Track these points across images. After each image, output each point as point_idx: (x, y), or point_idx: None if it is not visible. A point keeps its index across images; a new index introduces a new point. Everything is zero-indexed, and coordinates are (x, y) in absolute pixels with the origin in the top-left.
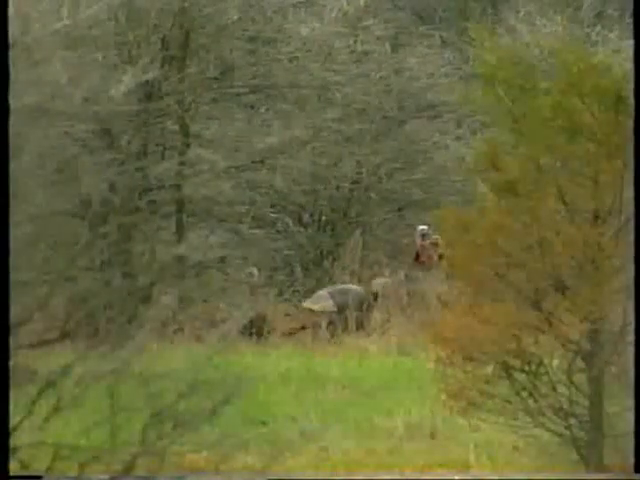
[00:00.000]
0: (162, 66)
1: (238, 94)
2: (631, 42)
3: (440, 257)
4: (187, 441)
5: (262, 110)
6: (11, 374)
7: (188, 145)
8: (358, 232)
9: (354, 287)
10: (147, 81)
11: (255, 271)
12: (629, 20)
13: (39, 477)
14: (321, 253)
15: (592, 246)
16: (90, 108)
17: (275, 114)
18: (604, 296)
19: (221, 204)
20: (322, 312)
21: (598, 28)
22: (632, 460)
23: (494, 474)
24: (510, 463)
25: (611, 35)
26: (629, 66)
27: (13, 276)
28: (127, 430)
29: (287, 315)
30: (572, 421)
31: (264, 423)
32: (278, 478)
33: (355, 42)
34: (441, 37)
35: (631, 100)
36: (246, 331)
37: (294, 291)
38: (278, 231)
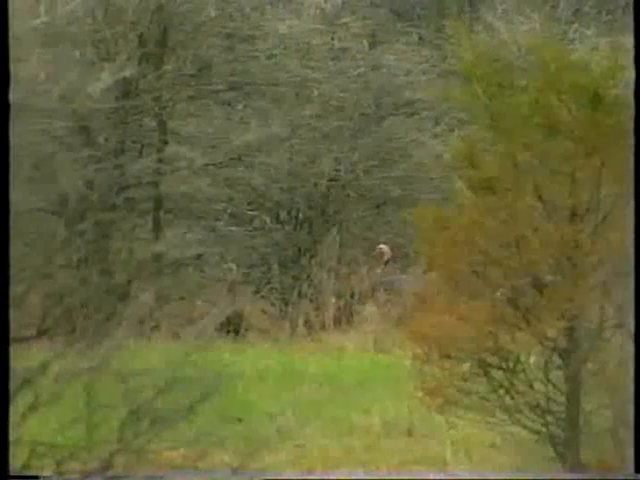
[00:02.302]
0: (139, 63)
1: (216, 91)
2: (608, 39)
3: (386, 263)
4: (164, 438)
5: (240, 107)
6: None
7: (166, 142)
8: (335, 229)
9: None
10: (124, 78)
11: (234, 267)
12: (606, 18)
13: (39, 477)
14: (298, 250)
15: (569, 243)
16: (67, 105)
17: (253, 111)
18: (581, 293)
19: (198, 201)
20: None
21: (575, 26)
22: (609, 457)
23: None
24: (487, 460)
25: (588, 32)
26: (607, 63)
27: None
28: (104, 427)
29: (264, 312)
30: (549, 418)
31: (241, 420)
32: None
33: (333, 39)
34: (419, 34)
35: (631, 100)
36: (223, 328)
37: (271, 288)
38: (255, 228)
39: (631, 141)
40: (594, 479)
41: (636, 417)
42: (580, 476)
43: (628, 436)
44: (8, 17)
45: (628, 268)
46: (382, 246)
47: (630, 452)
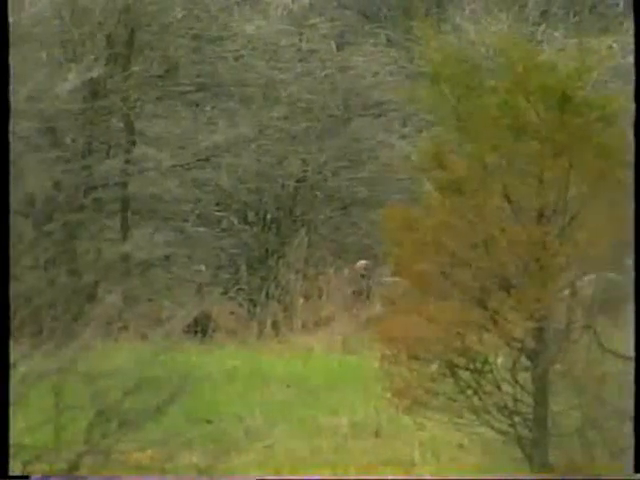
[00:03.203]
0: (107, 64)
1: (183, 92)
2: (575, 40)
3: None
4: (132, 439)
5: (207, 108)
6: None
7: (133, 143)
8: (303, 230)
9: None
10: (92, 79)
11: (202, 268)
12: (574, 19)
13: (25, 477)
14: (266, 251)
15: (537, 245)
16: (35, 106)
17: (220, 112)
18: (549, 295)
19: (166, 202)
20: None
21: (543, 27)
22: (578, 458)
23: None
24: (455, 461)
25: (556, 34)
26: (574, 65)
27: None
28: (72, 429)
29: (232, 313)
30: (516, 419)
31: (209, 422)
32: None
33: (300, 40)
34: (386, 36)
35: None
36: (191, 329)
37: (239, 289)
38: (223, 229)
39: (598, 141)
40: (594, 479)
41: (636, 417)
42: (580, 476)
43: (596, 437)
44: (8, 17)
45: (596, 268)
46: (362, 261)
47: (599, 453)
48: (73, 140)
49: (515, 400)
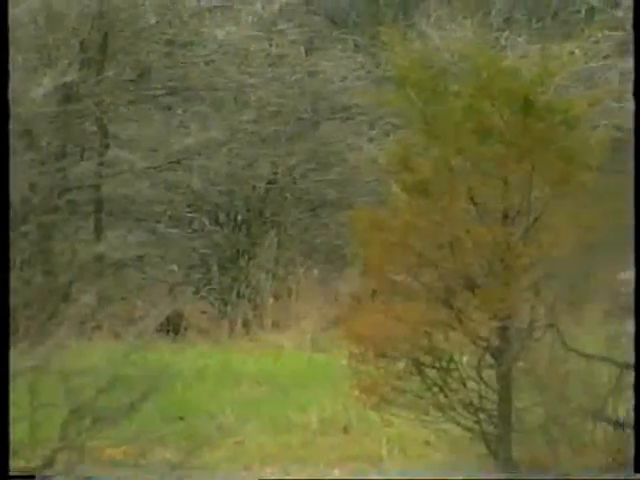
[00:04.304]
0: (81, 69)
1: (156, 96)
2: (538, 46)
3: None
4: (106, 436)
5: (179, 112)
6: None
7: (107, 146)
8: (273, 231)
9: None
10: (66, 83)
11: (174, 268)
12: (536, 25)
13: (29, 477)
14: (237, 252)
15: (501, 245)
16: (12, 110)
17: (192, 116)
18: (513, 294)
19: (139, 204)
20: None
21: (506, 33)
22: (541, 455)
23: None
24: (422, 457)
25: (519, 40)
26: (536, 70)
27: None
28: (47, 426)
29: (203, 312)
30: (481, 416)
31: (181, 418)
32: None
33: (270, 46)
34: (354, 41)
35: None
36: (163, 328)
37: (210, 289)
38: (195, 230)
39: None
40: (594, 479)
41: (636, 417)
42: (580, 476)
43: (559, 433)
44: (8, 17)
45: (559, 270)
46: None
47: (563, 449)
48: (48, 143)
49: (480, 397)
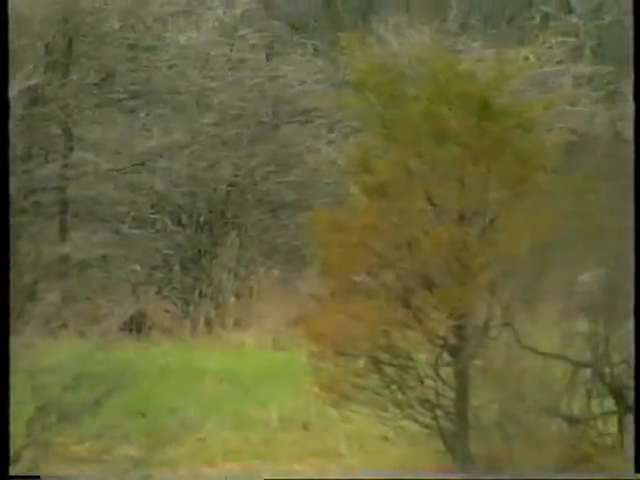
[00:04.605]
0: (46, 72)
1: (119, 100)
2: (493, 51)
3: None
4: (71, 433)
5: (142, 115)
6: None
7: (71, 148)
8: (234, 232)
9: None
10: (31, 87)
11: (138, 267)
12: (491, 31)
13: (33, 477)
14: (199, 252)
15: (458, 245)
16: None
17: (155, 119)
18: (469, 293)
19: (103, 205)
20: None
21: (463, 38)
22: (497, 451)
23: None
24: (380, 453)
25: (475, 45)
26: (492, 74)
27: None
28: (13, 423)
29: (166, 311)
30: (439, 412)
31: (145, 415)
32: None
33: (231, 50)
34: (314, 46)
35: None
36: (127, 327)
37: (173, 288)
38: (158, 231)
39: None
40: (594, 479)
41: (636, 417)
42: (581, 476)
43: (515, 430)
44: (8, 17)
45: (515, 269)
46: None
47: (519, 446)
48: (14, 145)
49: (437, 394)
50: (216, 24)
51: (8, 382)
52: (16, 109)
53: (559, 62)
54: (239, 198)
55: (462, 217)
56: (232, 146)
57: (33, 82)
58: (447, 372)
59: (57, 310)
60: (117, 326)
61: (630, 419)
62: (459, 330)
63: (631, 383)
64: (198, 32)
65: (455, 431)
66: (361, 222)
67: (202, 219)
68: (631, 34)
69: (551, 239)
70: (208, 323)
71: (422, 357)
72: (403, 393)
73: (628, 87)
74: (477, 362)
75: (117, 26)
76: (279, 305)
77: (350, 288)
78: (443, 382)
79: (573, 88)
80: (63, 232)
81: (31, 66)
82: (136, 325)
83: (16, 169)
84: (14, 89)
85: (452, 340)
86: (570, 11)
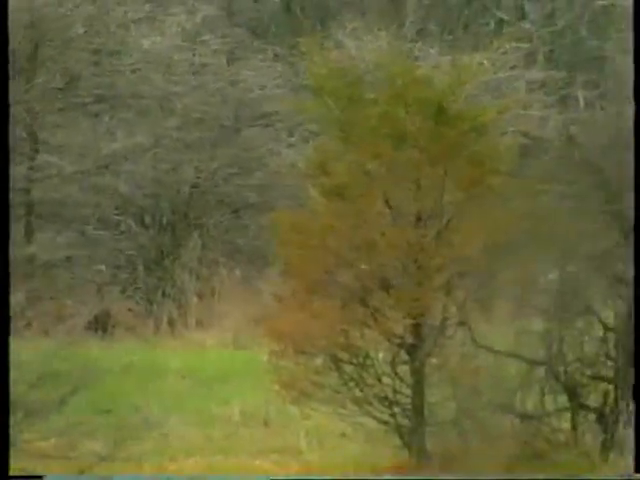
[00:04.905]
0: (12, 77)
1: (84, 104)
2: (449, 57)
3: None
4: (37, 429)
5: (106, 118)
6: None
7: (37, 151)
8: (197, 233)
9: None
10: None
11: (103, 268)
12: (448, 37)
13: (39, 477)
14: (162, 253)
15: (415, 247)
16: None
17: (119, 122)
18: (426, 293)
19: (68, 207)
20: None
21: (420, 44)
22: (453, 446)
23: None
24: (338, 449)
25: (432, 51)
26: (448, 79)
27: None
28: None
29: (130, 311)
30: (396, 409)
31: (109, 412)
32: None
33: (194, 55)
34: (274, 51)
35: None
36: (92, 326)
37: (136, 288)
38: (122, 232)
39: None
40: (594, 479)
41: (636, 417)
42: (581, 476)
43: (470, 426)
44: (8, 17)
45: (471, 269)
46: None
47: (474, 441)
48: None
49: (395, 392)
50: (179, 30)
51: (8, 382)
52: None
53: (513, 67)
54: (201, 200)
55: (419, 219)
56: (195, 149)
57: None
58: (404, 370)
59: (22, 310)
60: (82, 325)
61: (583, 416)
62: (416, 329)
63: (584, 381)
64: (161, 37)
65: (412, 427)
66: (320, 223)
67: (165, 220)
68: (631, 35)
69: (505, 240)
70: (171, 322)
71: (380, 355)
72: (361, 390)
73: (580, 91)
74: (433, 360)
75: (82, 31)
76: (241, 305)
77: (310, 288)
78: (400, 380)
79: (526, 93)
80: (28, 233)
81: None
82: (101, 324)
83: None
84: None
85: (409, 339)
86: (524, 17)
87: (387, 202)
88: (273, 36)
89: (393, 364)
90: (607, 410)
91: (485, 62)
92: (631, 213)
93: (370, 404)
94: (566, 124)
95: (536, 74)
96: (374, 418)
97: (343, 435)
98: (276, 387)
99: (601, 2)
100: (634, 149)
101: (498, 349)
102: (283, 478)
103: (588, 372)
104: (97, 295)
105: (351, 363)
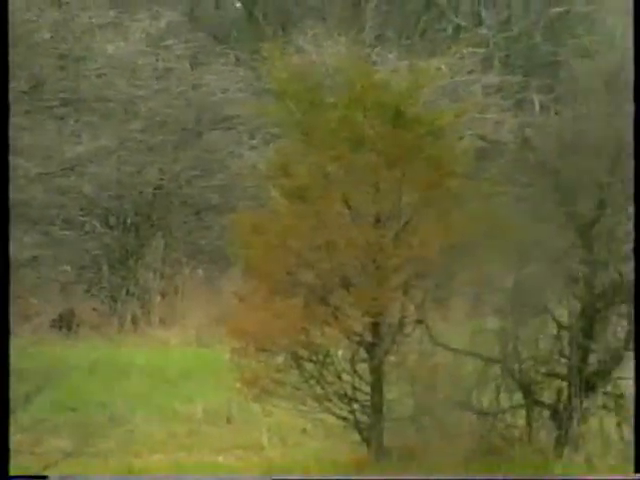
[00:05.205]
0: None
1: (49, 107)
2: (407, 62)
3: None
4: None
5: (71, 122)
6: None
7: None
8: (160, 234)
9: None
10: None
11: (68, 268)
12: (405, 42)
13: (40, 477)
14: (126, 252)
15: (373, 247)
16: None
17: (83, 125)
18: (384, 292)
19: (34, 208)
20: None
21: (378, 49)
22: (411, 443)
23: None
24: (299, 445)
25: (390, 56)
26: (405, 84)
27: None
28: None
29: (94, 309)
30: (355, 406)
31: (75, 409)
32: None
33: (157, 60)
34: (236, 56)
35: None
36: (57, 324)
37: (101, 287)
38: (87, 232)
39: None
40: (594, 479)
41: (636, 417)
42: (581, 476)
43: (428, 422)
44: (8, 17)
45: (429, 269)
46: None
47: (432, 437)
48: None
49: (354, 389)
50: (143, 35)
51: (8, 382)
52: None
53: (470, 72)
54: (164, 201)
55: (377, 220)
56: (158, 152)
57: None
58: (363, 368)
59: None
60: (47, 324)
61: (538, 412)
62: (375, 327)
63: (539, 378)
64: (125, 42)
65: (370, 424)
66: (281, 224)
67: (129, 221)
68: (631, 34)
69: (462, 241)
70: (135, 321)
71: (339, 353)
72: (322, 388)
73: (535, 95)
74: (392, 358)
75: (48, 36)
76: (203, 304)
77: (271, 287)
78: (359, 377)
79: (483, 97)
80: None
81: None
82: (66, 323)
83: None
84: None
85: (368, 337)
86: (480, 23)
87: (347, 203)
88: (235, 41)
89: (352, 362)
90: (561, 407)
91: (443, 67)
92: (587, 214)
93: (330, 401)
94: (522, 127)
95: (492, 78)
96: (334, 415)
97: (304, 431)
98: (238, 385)
99: (556, 9)
100: (634, 149)
101: (455, 347)
102: (283, 478)
103: (542, 369)
104: (62, 294)
105: (311, 361)
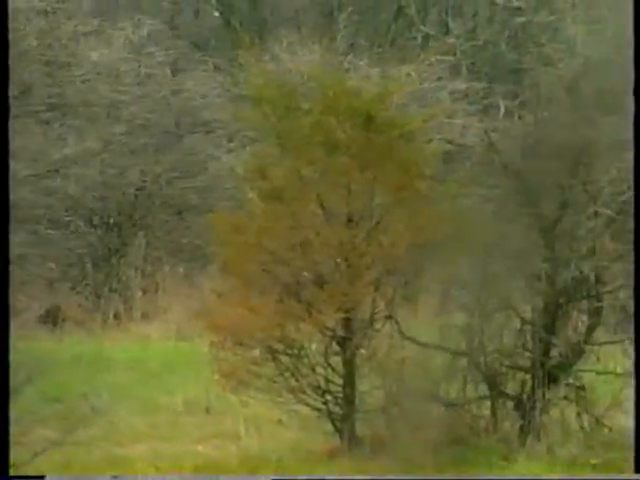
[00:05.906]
0: None
1: (36, 111)
2: (378, 69)
3: None
4: None
5: (57, 126)
6: None
7: None
8: (142, 233)
9: None
10: None
11: (54, 265)
12: (377, 50)
13: (40, 477)
14: (109, 251)
15: (346, 246)
16: None
17: (69, 129)
18: (356, 289)
19: (21, 208)
20: None
21: (350, 57)
22: (382, 432)
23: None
24: (275, 435)
25: (361, 63)
26: (376, 90)
27: None
28: None
29: (79, 305)
30: (328, 397)
31: (59, 401)
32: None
33: (139, 66)
34: (214, 63)
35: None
36: (43, 320)
37: (86, 284)
38: (72, 232)
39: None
40: (594, 479)
41: (636, 417)
42: (581, 476)
43: (398, 413)
44: (8, 17)
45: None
46: None
47: (401, 427)
48: None
49: (327, 381)
50: (125, 42)
51: (8, 382)
52: None
53: (438, 79)
54: (146, 202)
55: (350, 220)
56: (140, 154)
57: None
58: (336, 361)
59: None
60: (34, 319)
61: (502, 403)
62: (347, 322)
63: (503, 370)
64: (109, 50)
65: (343, 414)
66: (258, 224)
67: (112, 221)
68: (631, 34)
69: (430, 240)
70: (117, 316)
71: (313, 347)
72: (296, 380)
73: (501, 101)
74: (363, 351)
75: (34, 44)
76: (183, 300)
77: (248, 284)
78: (332, 370)
79: (450, 102)
80: None
81: None
82: (51, 318)
83: None
84: None
85: (340, 332)
86: (448, 32)
87: (321, 204)
88: (213, 49)
89: (326, 355)
90: (524, 398)
91: (412, 73)
92: (550, 214)
93: (304, 393)
94: (487, 132)
95: (459, 85)
96: (308, 406)
97: (279, 422)
98: (216, 377)
99: (519, 19)
100: (634, 149)
101: (423, 341)
102: (288, 478)
103: (507, 362)
104: (48, 291)
105: (287, 354)
